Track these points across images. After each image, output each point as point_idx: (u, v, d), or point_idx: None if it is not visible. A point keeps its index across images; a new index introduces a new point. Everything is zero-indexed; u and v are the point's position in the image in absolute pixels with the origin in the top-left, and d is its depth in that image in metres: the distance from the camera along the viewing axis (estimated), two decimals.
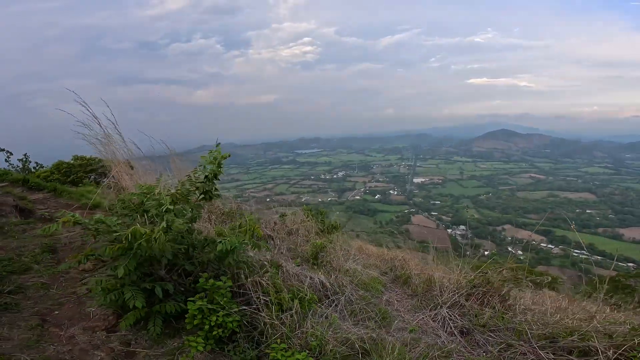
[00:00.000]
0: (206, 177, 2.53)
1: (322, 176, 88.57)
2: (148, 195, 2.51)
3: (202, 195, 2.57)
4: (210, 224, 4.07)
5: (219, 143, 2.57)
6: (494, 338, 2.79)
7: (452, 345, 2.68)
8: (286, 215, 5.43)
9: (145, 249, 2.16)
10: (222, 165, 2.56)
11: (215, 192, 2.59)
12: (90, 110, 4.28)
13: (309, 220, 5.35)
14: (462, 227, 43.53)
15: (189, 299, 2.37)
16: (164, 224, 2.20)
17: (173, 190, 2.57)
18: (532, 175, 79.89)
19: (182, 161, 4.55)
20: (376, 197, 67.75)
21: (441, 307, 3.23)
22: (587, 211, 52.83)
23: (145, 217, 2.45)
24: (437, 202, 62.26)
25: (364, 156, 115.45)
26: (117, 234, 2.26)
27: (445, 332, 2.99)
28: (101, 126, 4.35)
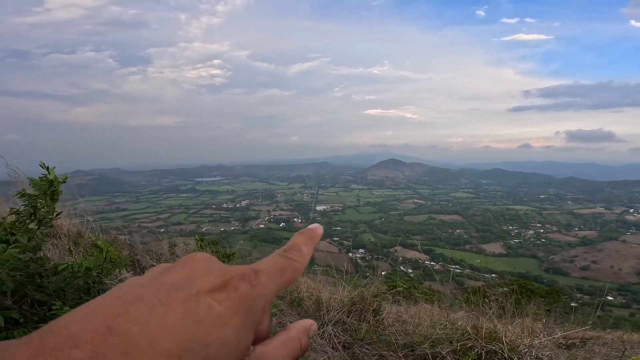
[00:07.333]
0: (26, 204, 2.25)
1: (225, 205, 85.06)
2: None
3: (38, 223, 2.32)
4: (72, 257, 3.55)
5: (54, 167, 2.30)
6: (370, 350, 3.07)
7: None
8: (176, 246, 5.16)
9: None
10: (54, 191, 2.30)
11: (48, 220, 2.32)
12: None
13: (201, 249, 5.17)
14: (361, 250, 46.49)
15: (40, 324, 2.16)
16: None
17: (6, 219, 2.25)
18: (415, 200, 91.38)
19: None
20: (281, 225, 67.89)
21: (327, 324, 3.42)
22: (457, 231, 62.43)
23: None
24: (338, 228, 65.56)
25: (268, 185, 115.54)
26: None
27: (331, 347, 3.17)
28: None
